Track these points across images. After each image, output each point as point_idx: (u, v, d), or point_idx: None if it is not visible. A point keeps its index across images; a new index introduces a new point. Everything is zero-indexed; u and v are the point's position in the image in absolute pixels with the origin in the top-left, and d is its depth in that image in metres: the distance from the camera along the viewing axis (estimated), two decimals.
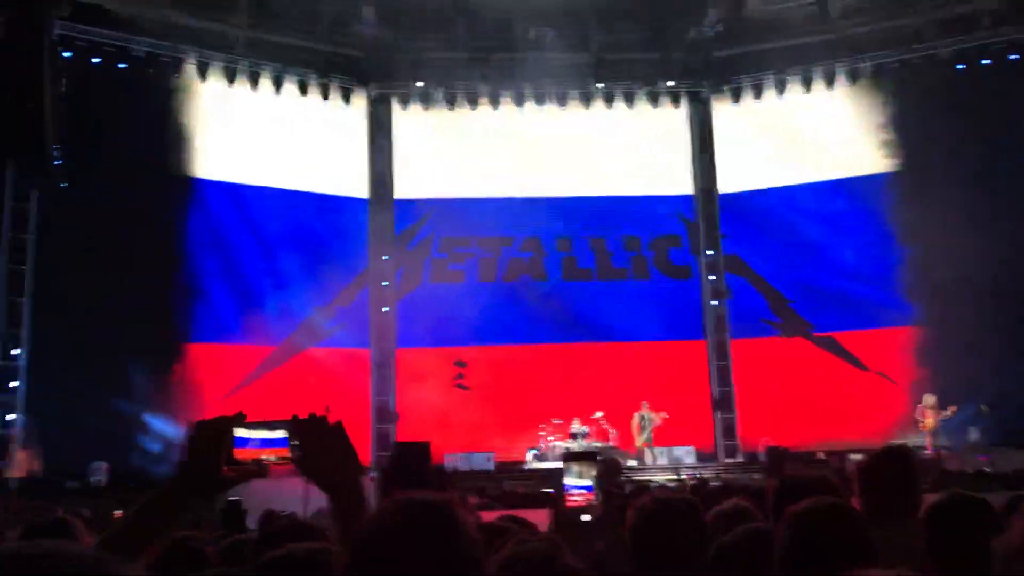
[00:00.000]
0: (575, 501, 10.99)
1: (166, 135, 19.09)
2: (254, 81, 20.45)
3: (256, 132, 20.53)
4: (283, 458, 2.07)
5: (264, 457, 2.07)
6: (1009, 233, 19.43)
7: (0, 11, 15.91)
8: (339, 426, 2.06)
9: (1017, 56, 20.09)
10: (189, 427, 2.04)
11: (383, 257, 21.49)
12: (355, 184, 21.67)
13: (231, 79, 20.17)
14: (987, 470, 14.85)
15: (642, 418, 19.48)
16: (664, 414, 19.39)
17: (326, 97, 21.31)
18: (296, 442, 2.06)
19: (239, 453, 2.08)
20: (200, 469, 2.00)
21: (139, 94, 18.80)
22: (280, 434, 2.09)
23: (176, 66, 19.50)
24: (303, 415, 2.07)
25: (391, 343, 21.31)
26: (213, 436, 2.01)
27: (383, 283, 21.41)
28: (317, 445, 2.03)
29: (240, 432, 2.07)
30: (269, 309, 19.75)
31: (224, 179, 19.95)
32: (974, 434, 18.91)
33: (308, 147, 21.04)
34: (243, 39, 20.27)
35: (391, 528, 1.49)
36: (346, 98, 21.61)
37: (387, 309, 21.35)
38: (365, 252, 21.41)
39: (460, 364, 21.20)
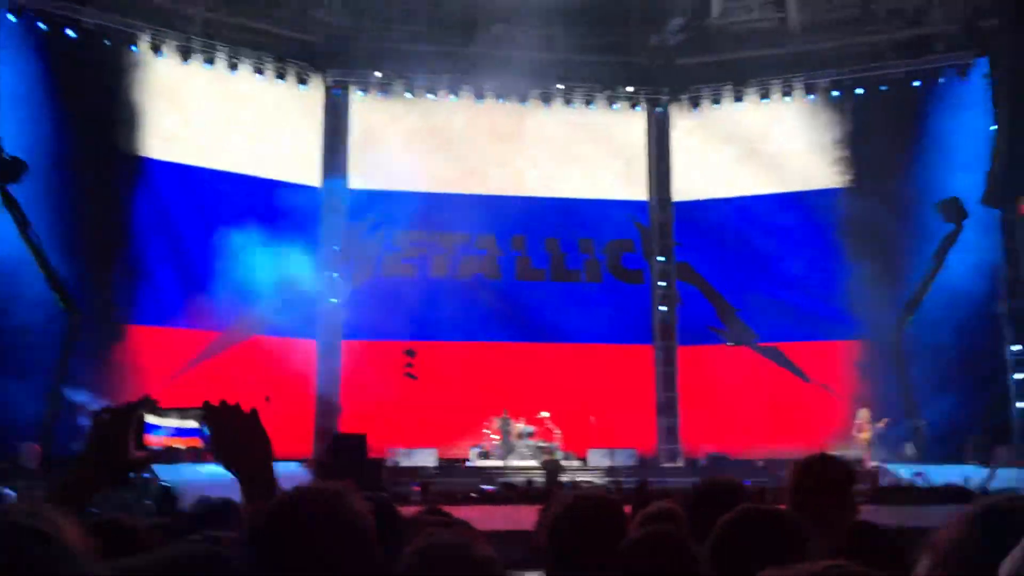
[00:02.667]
0: None
1: (115, 112, 18.63)
2: (209, 61, 20.07)
3: (209, 114, 20.17)
4: (193, 448, 2.05)
5: (174, 446, 2.04)
6: (954, 252, 19.86)
7: None
8: (253, 414, 2.02)
9: (969, 78, 20.49)
10: (96, 413, 2.01)
11: (334, 247, 21.23)
12: (309, 172, 21.38)
13: (185, 58, 19.79)
14: (919, 483, 15.17)
15: (503, 422, 19.38)
16: (526, 425, 19.26)
17: (282, 80, 20.99)
18: (207, 429, 2.03)
19: (149, 440, 2.04)
20: (106, 453, 1.98)
21: (88, 67, 18.28)
22: (192, 424, 2.07)
23: (128, 41, 19.06)
24: (235, 403, 2.06)
25: (338, 335, 21.07)
26: (121, 421, 1.99)
27: (333, 274, 21.15)
28: (229, 433, 2.00)
29: (151, 419, 2.02)
30: (215, 295, 19.39)
31: (174, 160, 19.56)
32: (909, 448, 19.30)
33: (262, 132, 20.72)
34: (200, 18, 19.91)
35: (284, 516, 1.49)
36: (303, 83, 21.32)
37: (336, 300, 21.10)
38: (316, 241, 21.12)
39: (410, 353, 21.04)
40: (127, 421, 2.01)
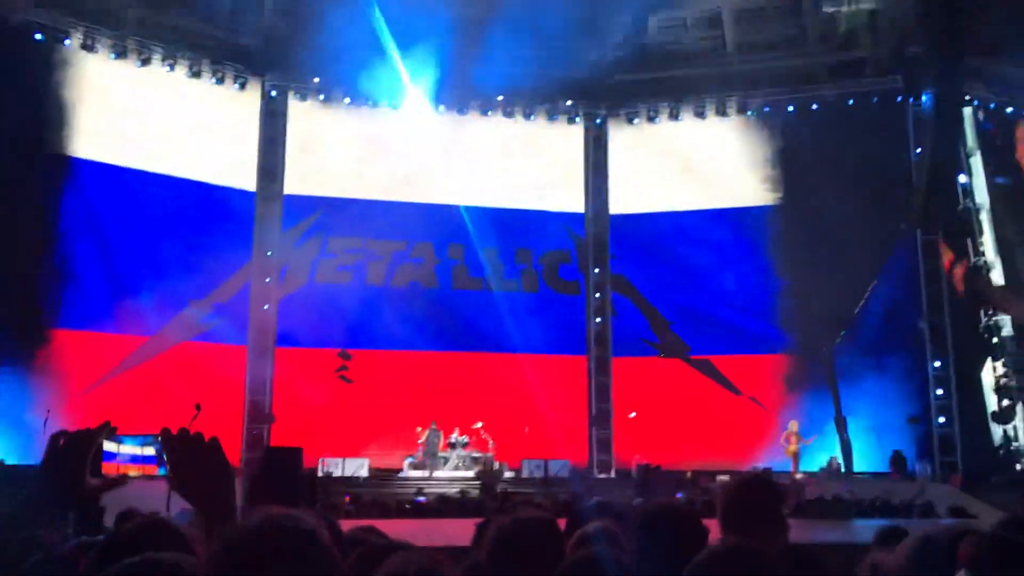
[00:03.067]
0: None
1: (43, 110, 18.11)
2: (144, 61, 19.67)
3: (143, 115, 19.72)
4: (152, 476, 1.99)
5: (131, 473, 1.98)
6: (879, 269, 20.47)
7: None
8: (214, 443, 1.95)
9: (897, 102, 21.16)
10: (53, 437, 1.94)
11: (268, 253, 20.92)
12: (244, 176, 21.04)
13: (119, 57, 19.36)
14: (846, 497, 15.53)
15: (430, 433, 19.29)
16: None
17: (220, 83, 20.66)
18: (166, 458, 1.96)
19: (106, 467, 1.99)
20: (61, 480, 1.91)
21: (14, 64, 17.70)
22: (149, 451, 2.01)
23: (58, 38, 18.56)
24: (173, 423, 1.98)
25: (271, 341, 20.76)
26: (78, 447, 1.92)
27: (266, 279, 20.85)
28: (188, 462, 1.94)
29: (108, 446, 1.98)
30: (144, 298, 18.94)
31: (104, 160, 19.09)
32: (835, 462, 19.77)
33: (197, 135, 20.35)
34: (134, 17, 19.49)
35: (252, 551, 1.44)
36: (241, 87, 21.02)
37: (268, 306, 20.80)
38: (249, 246, 20.80)
39: (344, 356, 20.79)
40: (85, 447, 1.93)
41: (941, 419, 19.94)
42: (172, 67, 20.04)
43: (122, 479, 1.95)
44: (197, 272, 19.51)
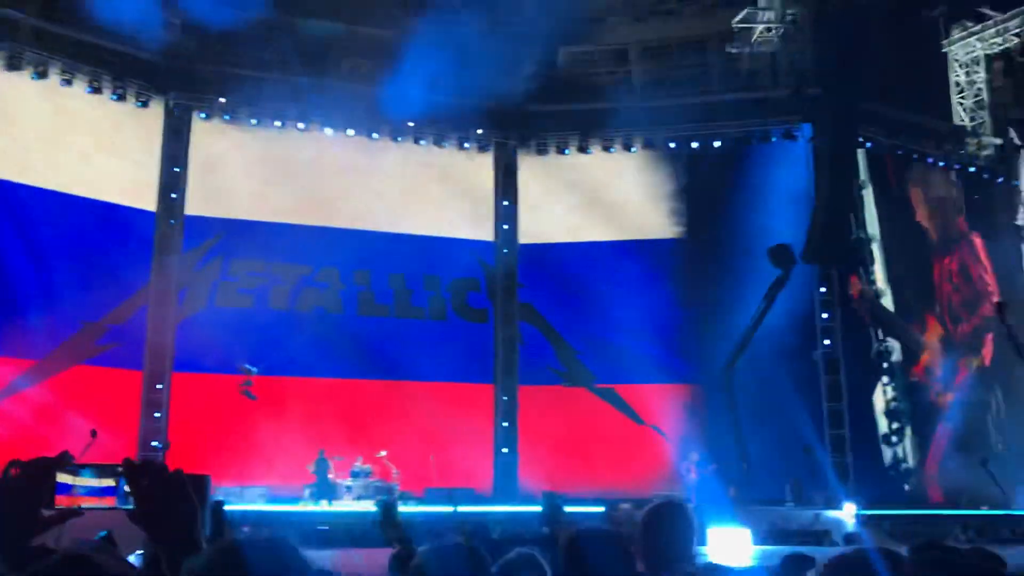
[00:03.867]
0: None
1: None
2: (40, 74, 18.95)
3: (37, 129, 18.98)
4: (111, 508, 1.89)
5: (86, 506, 1.87)
6: (779, 301, 21.13)
7: None
8: (178, 475, 1.87)
9: (796, 141, 21.99)
10: (6, 469, 1.83)
11: (166, 275, 20.23)
12: (144, 196, 20.37)
13: (12, 69, 18.60)
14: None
15: (319, 463, 18.85)
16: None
17: (121, 100, 20.02)
18: (129, 490, 1.87)
19: (60, 500, 1.87)
20: (16, 512, 1.79)
21: None
22: (108, 482, 1.91)
23: None
24: (161, 464, 1.89)
25: (168, 366, 20.04)
26: (33, 479, 1.81)
27: (164, 302, 20.12)
28: (151, 495, 1.85)
29: (63, 478, 1.87)
30: (34, 320, 18.12)
31: None
32: (732, 491, 20.17)
33: (96, 151, 19.66)
34: (29, 28, 18.77)
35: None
36: (143, 104, 20.40)
37: (166, 330, 20.08)
38: (147, 268, 20.10)
39: (248, 370, 20.09)
40: (40, 479, 1.84)
41: (839, 456, 20.62)
42: (70, 82, 19.35)
43: (76, 511, 1.84)
44: (92, 293, 18.78)
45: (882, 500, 19.34)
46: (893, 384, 21.67)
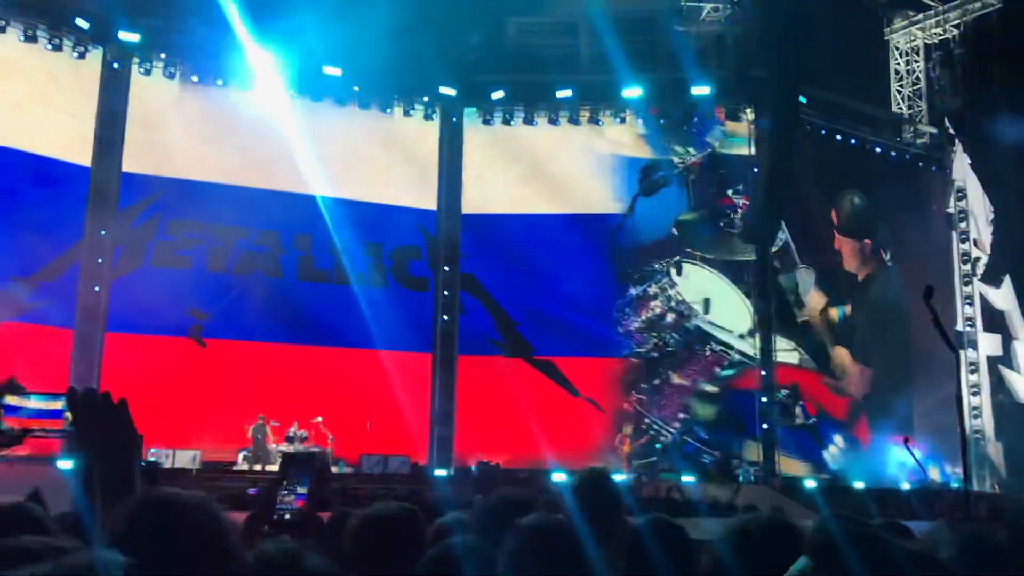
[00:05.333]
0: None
1: None
2: None
3: None
4: (55, 430, 1.92)
5: (34, 428, 1.90)
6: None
7: None
8: (122, 405, 1.90)
9: (739, 121, 22.33)
10: None
11: (100, 232, 19.76)
12: (78, 150, 19.81)
13: None
14: (676, 497, 16.26)
15: (256, 428, 18.88)
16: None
17: (57, 50, 19.40)
18: (71, 416, 1.91)
19: (8, 420, 1.90)
20: None
21: None
22: (55, 405, 1.94)
23: None
24: (104, 392, 1.92)
25: (100, 325, 19.62)
26: None
27: (98, 260, 19.68)
28: (94, 421, 1.89)
29: (11, 400, 1.89)
30: None
31: None
32: (663, 463, 20.63)
33: (29, 103, 19.07)
34: None
35: (149, 520, 1.41)
36: (81, 55, 19.79)
37: (99, 288, 19.66)
38: (80, 224, 19.60)
39: (200, 313, 19.80)
40: None
41: (764, 426, 21.18)
42: (3, 29, 18.70)
43: (18, 437, 1.86)
44: (21, 249, 18.28)
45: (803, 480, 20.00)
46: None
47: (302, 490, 2.95)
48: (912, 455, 16.26)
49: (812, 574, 1.45)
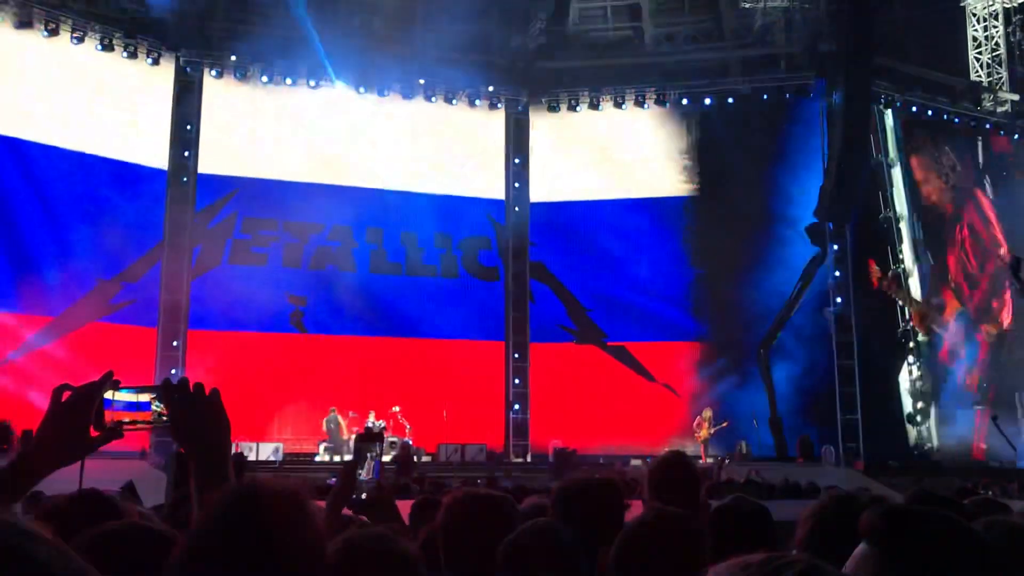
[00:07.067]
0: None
1: None
2: (51, 32, 18.92)
3: (49, 87, 19.00)
4: (147, 422, 2.02)
5: (127, 420, 2.01)
6: (791, 262, 21.15)
7: None
8: (215, 395, 1.99)
9: (810, 98, 21.80)
10: (56, 391, 1.91)
11: (179, 233, 20.35)
12: (156, 154, 20.44)
13: (23, 27, 18.57)
14: (756, 480, 16.02)
15: (330, 420, 19.36)
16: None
17: (132, 57, 19.99)
18: (161, 406, 2.00)
19: (106, 415, 2.02)
20: (65, 433, 1.91)
21: None
22: (145, 398, 2.03)
23: None
24: (197, 383, 2.02)
25: (182, 324, 20.23)
26: (82, 400, 1.93)
27: (178, 260, 20.24)
28: (188, 410, 1.98)
29: (108, 396, 2.01)
30: (49, 278, 18.30)
31: (9, 134, 18.33)
32: (742, 447, 20.37)
33: (107, 109, 19.69)
34: None
35: (242, 507, 1.45)
36: (154, 62, 20.35)
37: (180, 288, 20.23)
38: (160, 226, 20.22)
39: (299, 301, 20.34)
40: (89, 400, 1.95)
41: (849, 415, 20.66)
42: (81, 39, 19.32)
43: (118, 431, 1.96)
44: (106, 251, 18.94)
45: (889, 461, 19.44)
46: (918, 365, 21.66)
47: (370, 464, 3.01)
48: (1001, 432, 15.74)
49: (875, 560, 1.42)
